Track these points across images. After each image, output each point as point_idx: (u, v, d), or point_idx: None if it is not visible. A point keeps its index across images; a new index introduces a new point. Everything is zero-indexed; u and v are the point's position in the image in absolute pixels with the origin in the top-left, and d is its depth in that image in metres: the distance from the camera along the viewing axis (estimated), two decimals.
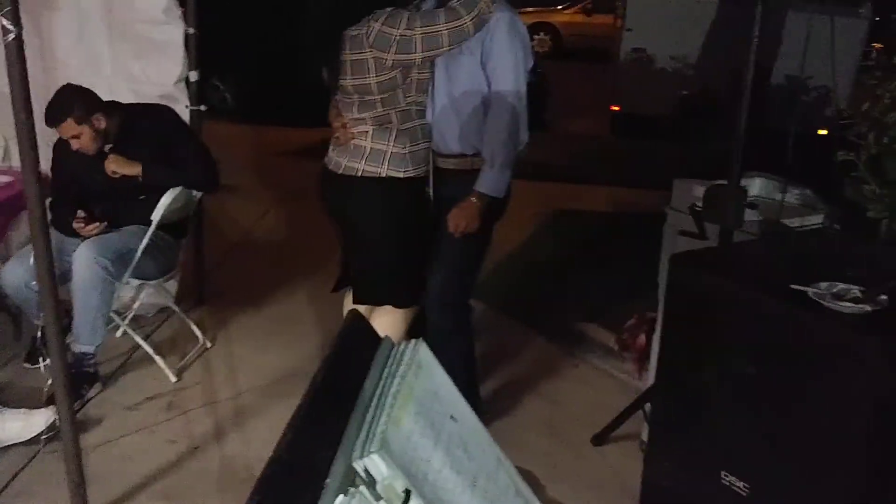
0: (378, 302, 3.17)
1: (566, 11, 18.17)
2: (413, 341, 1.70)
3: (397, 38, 2.83)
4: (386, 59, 2.85)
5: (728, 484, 2.26)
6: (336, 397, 1.51)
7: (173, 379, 3.69)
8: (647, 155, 8.77)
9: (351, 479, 1.41)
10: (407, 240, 3.09)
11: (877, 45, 9.08)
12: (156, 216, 3.52)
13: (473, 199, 2.98)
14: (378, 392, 1.54)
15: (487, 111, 2.98)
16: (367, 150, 2.98)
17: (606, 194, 7.35)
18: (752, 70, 3.06)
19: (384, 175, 2.98)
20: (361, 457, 1.40)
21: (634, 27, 9.45)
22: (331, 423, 1.44)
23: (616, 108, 9.87)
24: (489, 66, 2.94)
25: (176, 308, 4.05)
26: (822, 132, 8.84)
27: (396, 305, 3.14)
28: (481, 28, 2.87)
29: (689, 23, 9.08)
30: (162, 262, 3.71)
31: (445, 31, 2.83)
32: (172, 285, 4.09)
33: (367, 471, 1.41)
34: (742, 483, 2.23)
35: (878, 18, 9.18)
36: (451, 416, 1.63)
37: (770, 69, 8.45)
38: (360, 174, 2.99)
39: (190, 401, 3.56)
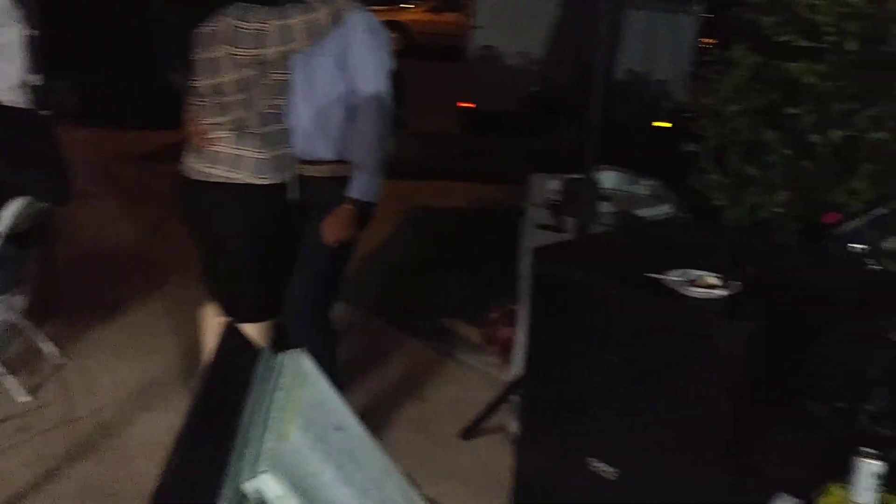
0: (237, 316, 3.02)
1: (415, 9, 18.28)
2: (295, 351, 1.66)
3: (251, 32, 2.74)
4: (240, 56, 2.76)
5: (597, 470, 2.33)
6: (219, 416, 1.46)
7: (26, 398, 3.49)
8: (500, 150, 8.93)
9: (242, 502, 1.37)
10: (267, 250, 2.98)
11: (709, 41, 9.58)
12: (0, 227, 3.32)
13: (348, 207, 2.93)
14: (262, 406, 1.49)
15: (350, 115, 2.94)
16: (224, 156, 2.88)
17: (463, 190, 7.44)
18: (602, 66, 3.17)
19: (243, 181, 2.89)
20: (251, 477, 1.36)
21: (483, 24, 9.60)
22: (216, 443, 1.39)
23: (466, 105, 10.00)
24: (350, 69, 2.91)
25: (25, 323, 3.83)
26: (664, 125, 9.28)
27: (256, 320, 2.98)
28: (339, 25, 2.80)
29: (536, 20, 9.31)
30: (8, 276, 3.51)
31: (301, 25, 2.76)
32: (21, 299, 3.86)
33: (257, 492, 1.36)
34: (610, 468, 2.31)
35: (709, 15, 9.67)
36: (338, 427, 1.60)
37: (611, 65, 8.78)
38: (217, 181, 2.89)
39: (45, 420, 3.38)
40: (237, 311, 3.02)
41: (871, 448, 2.31)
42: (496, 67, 9.62)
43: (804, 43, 3.07)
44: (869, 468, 2.29)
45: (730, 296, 2.15)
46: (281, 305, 3.07)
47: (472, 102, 9.95)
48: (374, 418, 3.53)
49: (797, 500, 2.21)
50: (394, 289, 5.07)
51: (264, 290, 3.05)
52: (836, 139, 2.98)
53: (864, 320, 2.54)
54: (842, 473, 2.30)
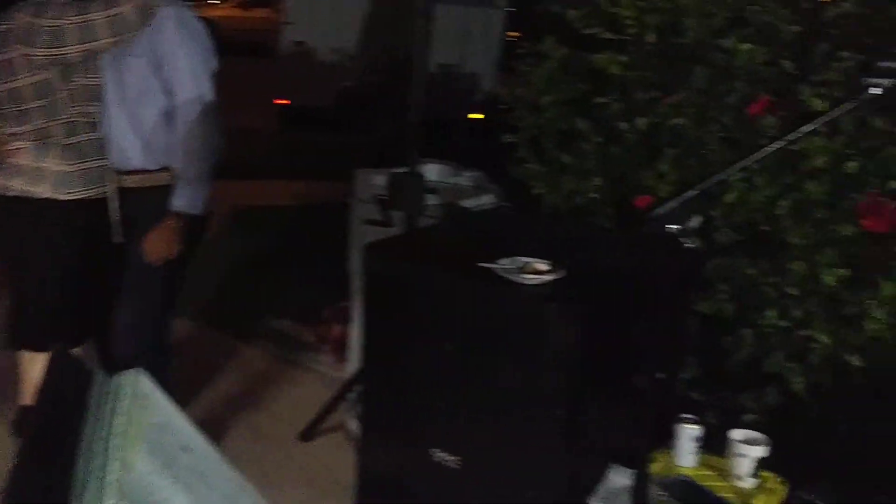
0: (40, 346, 2.79)
1: (223, 6, 17.80)
2: (132, 372, 1.57)
3: (47, 29, 2.56)
4: (36, 56, 2.58)
5: (440, 460, 2.37)
6: (55, 449, 1.35)
7: None
8: (320, 146, 8.86)
9: None
10: (76, 272, 2.79)
11: (516, 34, 9.90)
12: None
13: (171, 221, 2.68)
14: (101, 435, 1.40)
15: (170, 120, 2.73)
16: (24, 169, 2.68)
17: (283, 189, 7.33)
18: (422, 59, 3.22)
19: (44, 196, 2.69)
20: None
21: (294, 20, 9.49)
22: (54, 479, 1.29)
23: (282, 102, 9.87)
24: (165, 70, 2.68)
25: None
26: (479, 116, 9.52)
27: (65, 345, 2.76)
28: (148, 21, 2.62)
29: (348, 14, 9.30)
30: None
31: (103, 22, 2.57)
32: None
33: None
34: (453, 457, 2.35)
35: (513, 9, 10.00)
36: (185, 447, 1.53)
37: (422, 59, 8.88)
38: (16, 195, 2.69)
39: None
40: (41, 342, 2.81)
41: (689, 414, 2.48)
42: (310, 63, 9.54)
43: (608, 35, 3.23)
44: (688, 433, 2.46)
45: (557, 280, 2.23)
46: (98, 328, 2.88)
47: (288, 99, 9.83)
48: (211, 430, 3.42)
49: (630, 470, 2.33)
50: (223, 295, 4.93)
51: (73, 316, 2.84)
52: (641, 126, 3.15)
53: (679, 295, 2.72)
54: (668, 440, 2.45)
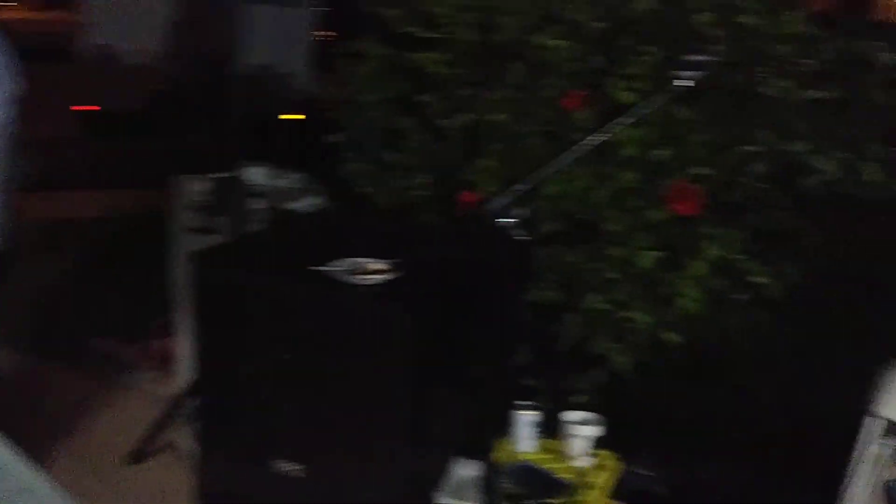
0: None
1: (16, 7, 16.72)
2: None
3: None
4: None
5: (283, 471, 2.32)
6: None
7: None
8: (130, 154, 8.47)
9: None
10: None
11: (330, 33, 9.84)
12: None
13: None
14: None
15: None
16: None
17: (92, 199, 6.96)
18: (239, 62, 3.14)
19: None
20: None
21: (96, 22, 9.05)
22: None
23: (86, 108, 9.41)
24: None
25: None
26: (298, 117, 9.39)
27: None
28: None
29: (155, 16, 8.94)
30: None
31: None
32: None
33: None
34: (297, 467, 2.30)
35: (328, 8, 9.92)
36: (24, 489, 1.41)
37: (235, 60, 8.68)
38: None
39: None
40: None
41: (525, 400, 2.55)
42: (117, 66, 9.11)
43: (427, 34, 3.26)
44: (525, 419, 2.53)
45: (392, 279, 2.24)
46: None
47: (93, 105, 9.37)
48: (37, 463, 3.20)
49: (474, 462, 2.37)
50: (34, 317, 4.60)
51: None
52: (463, 123, 3.20)
53: (512, 285, 2.78)
54: (507, 428, 2.51)
